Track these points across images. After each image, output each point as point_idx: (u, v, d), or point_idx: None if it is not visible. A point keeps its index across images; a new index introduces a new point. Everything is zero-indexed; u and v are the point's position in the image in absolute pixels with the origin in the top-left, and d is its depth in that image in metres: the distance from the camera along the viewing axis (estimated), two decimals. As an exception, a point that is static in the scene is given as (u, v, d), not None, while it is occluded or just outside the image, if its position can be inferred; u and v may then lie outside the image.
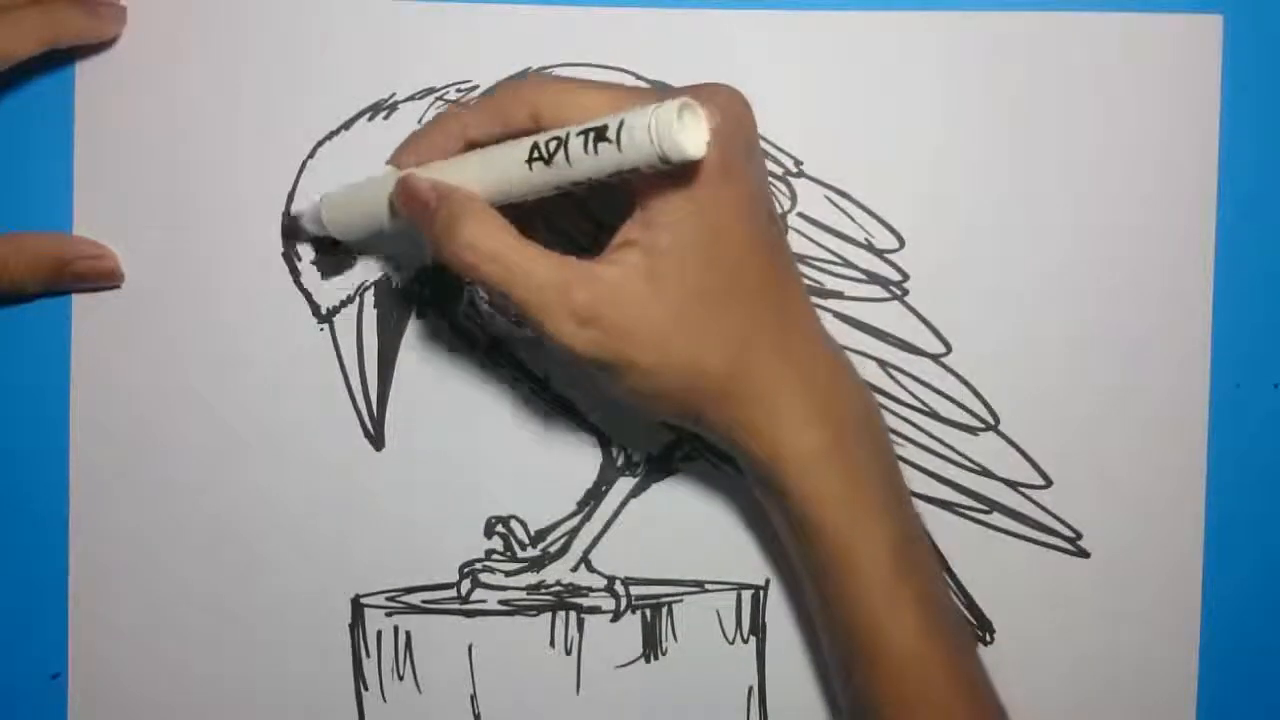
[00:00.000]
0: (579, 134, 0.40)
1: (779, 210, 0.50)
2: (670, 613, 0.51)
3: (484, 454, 0.51)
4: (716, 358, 0.43)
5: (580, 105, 0.42)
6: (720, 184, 0.42)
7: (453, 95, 0.51)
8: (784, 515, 0.45)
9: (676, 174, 0.41)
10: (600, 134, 0.39)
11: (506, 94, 0.44)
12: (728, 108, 0.42)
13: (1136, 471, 0.51)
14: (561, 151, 0.40)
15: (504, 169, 0.42)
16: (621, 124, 0.39)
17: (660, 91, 0.44)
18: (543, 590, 0.51)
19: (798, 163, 0.51)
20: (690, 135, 0.39)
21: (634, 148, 0.39)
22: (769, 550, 0.51)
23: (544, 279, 0.42)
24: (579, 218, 0.49)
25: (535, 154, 0.41)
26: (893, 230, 0.51)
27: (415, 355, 0.51)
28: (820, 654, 0.51)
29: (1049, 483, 0.51)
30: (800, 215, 0.51)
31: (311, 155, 0.51)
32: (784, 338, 0.44)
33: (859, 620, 0.44)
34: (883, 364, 0.51)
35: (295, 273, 0.51)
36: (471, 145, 0.45)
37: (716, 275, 0.42)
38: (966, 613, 0.51)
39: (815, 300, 0.47)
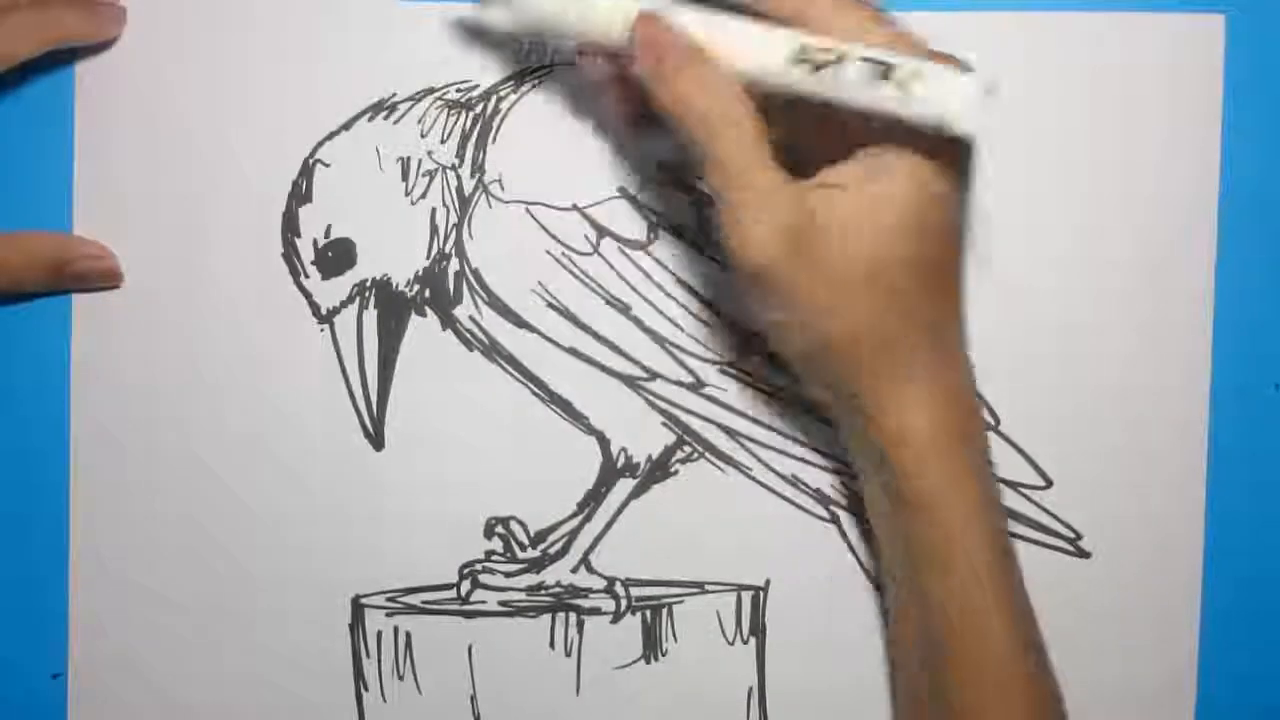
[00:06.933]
0: (862, 60, 0.37)
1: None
2: (670, 614, 0.51)
3: (484, 454, 0.51)
4: (878, 324, 0.42)
5: (850, 27, 0.40)
6: (952, 176, 0.42)
7: (453, 95, 0.51)
8: (890, 496, 0.45)
9: (918, 144, 0.40)
10: (886, 71, 0.37)
11: None
12: None
13: (1136, 471, 0.51)
14: (833, 68, 0.38)
15: (762, 52, 0.39)
16: (914, 72, 0.37)
17: (929, 50, 0.41)
18: (543, 591, 0.51)
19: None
20: (985, 115, 0.37)
21: (919, 101, 0.36)
22: (769, 551, 0.51)
23: (763, 157, 0.40)
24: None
25: (803, 56, 0.38)
26: (893, 230, 0.51)
27: (415, 355, 0.51)
28: (820, 654, 0.51)
29: (1049, 483, 0.51)
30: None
31: (312, 155, 0.51)
32: (938, 327, 0.44)
33: (952, 611, 0.44)
34: (883, 364, 0.51)
35: (295, 273, 0.51)
36: None
37: (908, 247, 0.42)
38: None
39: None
